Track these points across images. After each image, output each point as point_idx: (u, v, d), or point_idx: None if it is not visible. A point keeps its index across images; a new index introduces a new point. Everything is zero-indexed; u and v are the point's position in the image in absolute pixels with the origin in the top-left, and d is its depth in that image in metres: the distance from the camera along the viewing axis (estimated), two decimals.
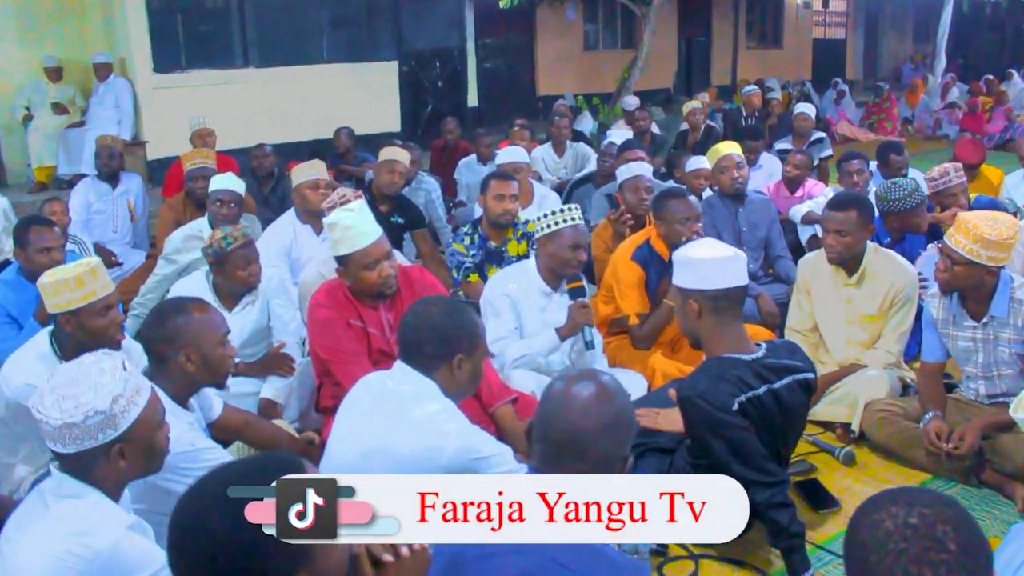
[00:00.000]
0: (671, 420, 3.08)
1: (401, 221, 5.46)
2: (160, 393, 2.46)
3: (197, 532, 1.30)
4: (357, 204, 3.47)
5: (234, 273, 3.75)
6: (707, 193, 6.07)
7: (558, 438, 1.79)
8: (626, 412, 1.84)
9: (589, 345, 3.70)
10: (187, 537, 1.32)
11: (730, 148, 5.43)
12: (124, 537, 1.88)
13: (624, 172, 5.00)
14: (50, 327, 3.07)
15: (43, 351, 2.99)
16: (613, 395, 1.82)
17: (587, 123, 11.26)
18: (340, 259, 3.34)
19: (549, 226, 3.75)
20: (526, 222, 4.67)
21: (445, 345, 2.37)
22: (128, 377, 1.95)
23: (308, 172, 4.93)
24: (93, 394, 1.87)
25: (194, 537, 1.30)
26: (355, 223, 3.29)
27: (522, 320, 3.82)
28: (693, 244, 2.84)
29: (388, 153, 5.59)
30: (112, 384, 1.91)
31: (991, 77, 14.84)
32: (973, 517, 1.32)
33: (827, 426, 3.80)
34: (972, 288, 3.32)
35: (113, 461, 1.93)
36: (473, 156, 7.55)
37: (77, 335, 2.89)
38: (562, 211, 3.77)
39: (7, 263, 4.41)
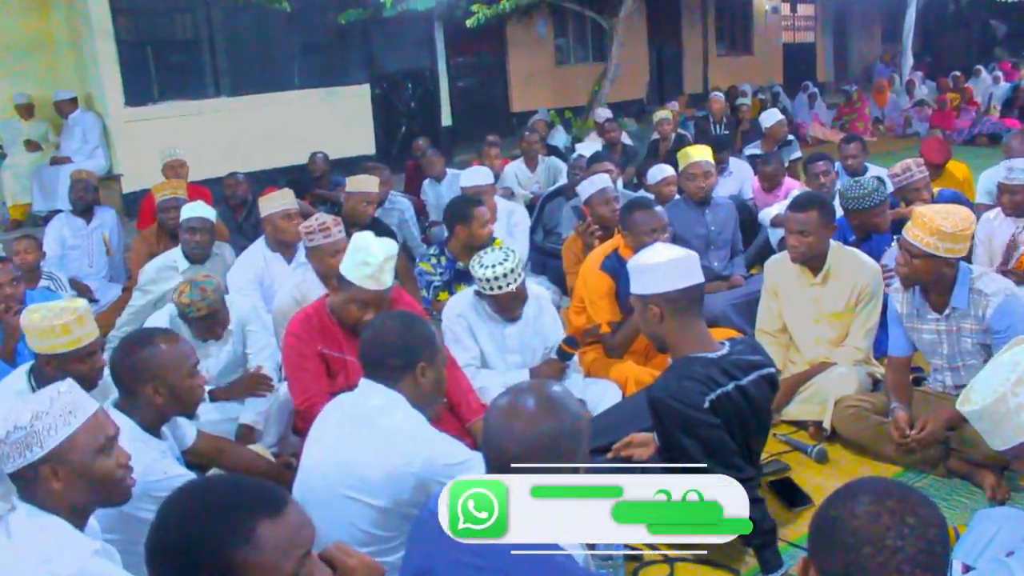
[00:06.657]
0: (644, 446, 3.11)
1: None
2: (130, 423, 2.50)
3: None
4: (388, 249, 3.37)
5: (199, 332, 3.81)
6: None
7: (497, 454, 1.78)
8: (568, 427, 1.78)
9: None
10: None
11: (700, 155, 5.35)
12: (90, 562, 1.88)
13: (588, 186, 4.96)
14: (29, 364, 3.08)
15: (20, 388, 3.00)
16: (554, 410, 1.78)
17: (560, 137, 11.33)
18: (341, 278, 3.36)
19: (484, 288, 3.67)
20: (492, 239, 4.64)
21: (406, 355, 2.43)
22: (57, 397, 1.95)
23: (279, 201, 4.91)
24: (15, 412, 1.90)
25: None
26: (373, 264, 3.27)
27: (478, 340, 3.80)
28: (644, 251, 2.86)
29: (358, 183, 5.58)
30: (36, 402, 1.93)
31: (957, 74, 15.03)
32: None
33: (799, 425, 3.85)
34: (932, 281, 3.37)
35: (46, 482, 1.91)
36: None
37: (56, 376, 2.89)
38: (496, 279, 3.61)
39: None
